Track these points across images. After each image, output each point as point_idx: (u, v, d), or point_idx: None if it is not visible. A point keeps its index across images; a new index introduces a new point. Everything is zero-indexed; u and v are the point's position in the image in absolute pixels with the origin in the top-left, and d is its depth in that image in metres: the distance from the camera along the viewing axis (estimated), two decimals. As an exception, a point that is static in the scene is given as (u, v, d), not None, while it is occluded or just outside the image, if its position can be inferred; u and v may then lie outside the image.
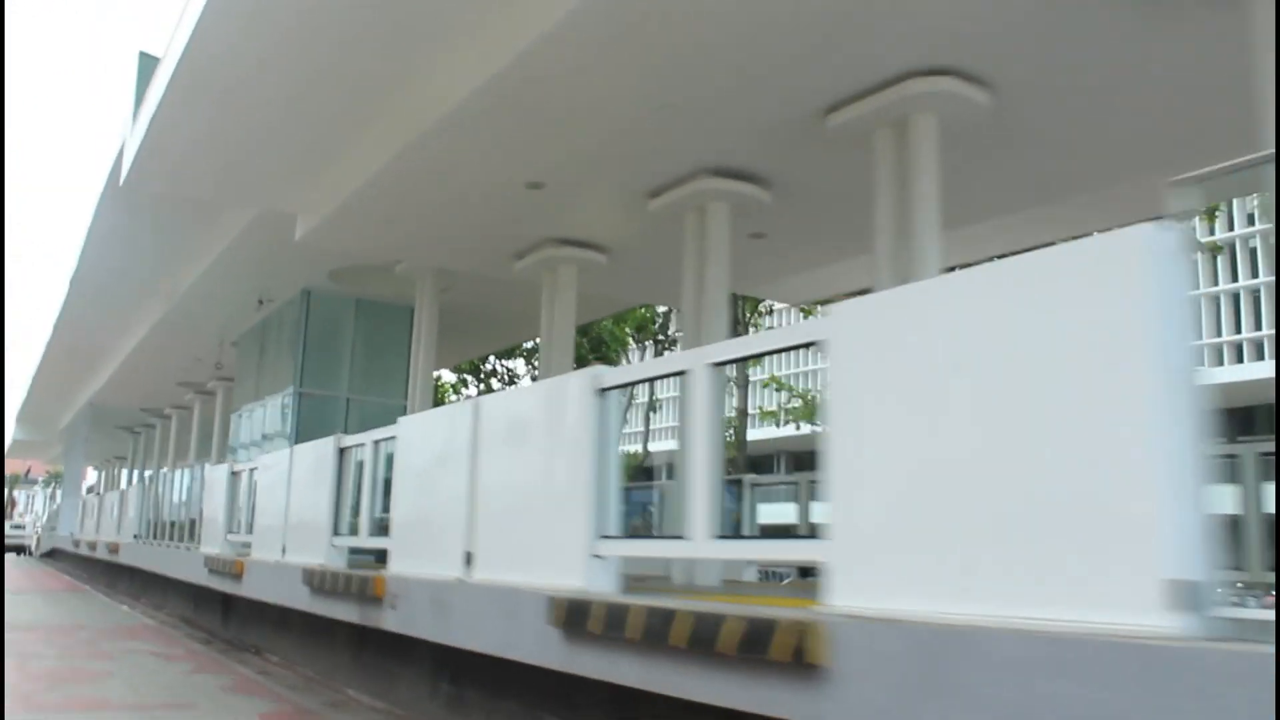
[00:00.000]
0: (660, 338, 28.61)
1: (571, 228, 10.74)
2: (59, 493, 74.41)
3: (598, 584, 5.27)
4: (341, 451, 9.14)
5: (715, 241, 8.93)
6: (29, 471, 68.91)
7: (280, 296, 16.71)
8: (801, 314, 24.54)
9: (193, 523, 16.82)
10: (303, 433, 15.62)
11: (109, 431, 35.03)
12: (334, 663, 8.96)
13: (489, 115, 8.08)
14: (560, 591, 5.22)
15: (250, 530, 12.03)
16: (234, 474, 12.93)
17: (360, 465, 9.24)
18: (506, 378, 33.31)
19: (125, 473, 37.63)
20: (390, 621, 7.22)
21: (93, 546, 24.94)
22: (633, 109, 7.90)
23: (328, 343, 16.47)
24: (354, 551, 9.14)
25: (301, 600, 9.02)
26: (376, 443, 8.48)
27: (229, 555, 12.13)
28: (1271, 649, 2.37)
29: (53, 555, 37.10)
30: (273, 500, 10.89)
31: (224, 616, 13.12)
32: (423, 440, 7.44)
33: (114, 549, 21.28)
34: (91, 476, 53.05)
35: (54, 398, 34.19)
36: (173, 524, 16.69)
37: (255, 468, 12.12)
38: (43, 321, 26.79)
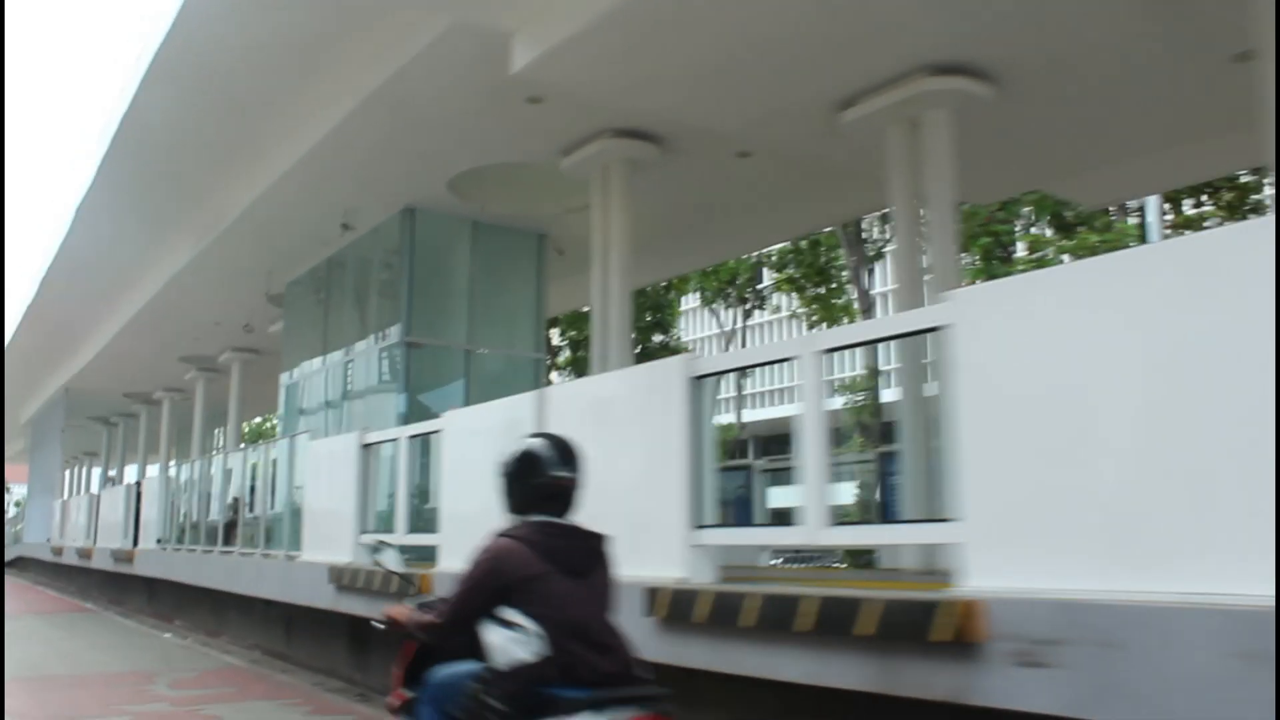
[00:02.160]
0: (747, 295, 24.75)
1: (971, 39, 6.92)
2: (5, 495, 68.08)
3: None
4: (696, 381, 5.29)
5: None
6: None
7: (366, 221, 12.66)
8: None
9: (230, 521, 12.76)
10: (415, 392, 11.78)
11: (79, 423, 30.32)
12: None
13: None
14: None
15: (415, 527, 8.14)
16: (366, 446, 8.96)
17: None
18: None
19: (99, 471, 32.82)
20: (1036, 694, 3.41)
21: (86, 555, 20.51)
22: None
23: (437, 278, 12.51)
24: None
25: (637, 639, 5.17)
26: (859, 342, 4.62)
27: (381, 563, 8.19)
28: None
29: (18, 565, 32.29)
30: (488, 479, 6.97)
31: (356, 654, 9.14)
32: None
33: (125, 557, 17.00)
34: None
35: (20, 385, 29.46)
36: (240, 523, 12.54)
37: (425, 432, 8.19)
38: (16, 295, 22.14)
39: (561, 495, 3.09)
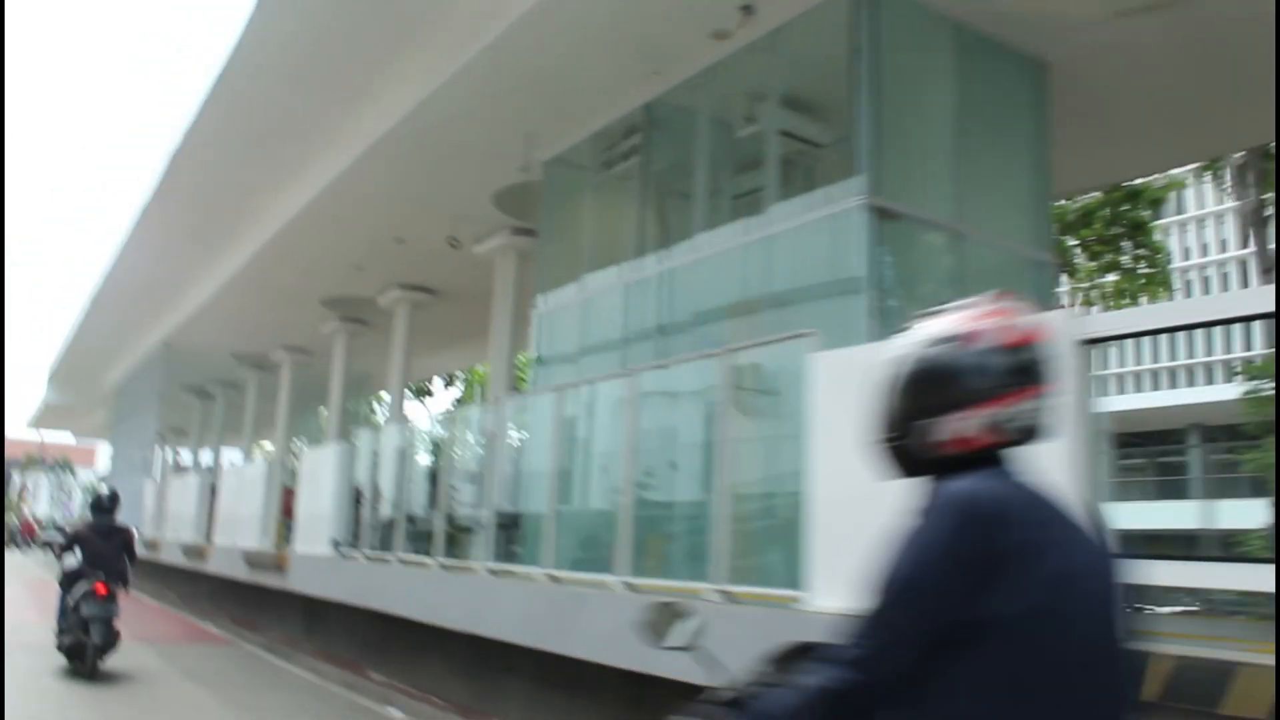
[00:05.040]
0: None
1: None
2: (65, 478, 63.16)
3: None
4: None
5: None
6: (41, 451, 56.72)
7: (772, 13, 7.32)
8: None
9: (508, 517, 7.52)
10: (885, 291, 6.47)
11: (169, 393, 25.22)
12: None
13: None
14: None
15: None
16: (1091, 344, 3.57)
17: None
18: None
19: (189, 454, 27.62)
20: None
21: (198, 554, 15.42)
22: None
23: (910, 112, 7.14)
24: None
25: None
26: None
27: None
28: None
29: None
30: None
31: None
32: None
33: (269, 564, 11.86)
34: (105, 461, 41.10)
35: (104, 344, 24.68)
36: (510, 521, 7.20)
37: None
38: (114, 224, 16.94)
39: (104, 511, 8.98)
